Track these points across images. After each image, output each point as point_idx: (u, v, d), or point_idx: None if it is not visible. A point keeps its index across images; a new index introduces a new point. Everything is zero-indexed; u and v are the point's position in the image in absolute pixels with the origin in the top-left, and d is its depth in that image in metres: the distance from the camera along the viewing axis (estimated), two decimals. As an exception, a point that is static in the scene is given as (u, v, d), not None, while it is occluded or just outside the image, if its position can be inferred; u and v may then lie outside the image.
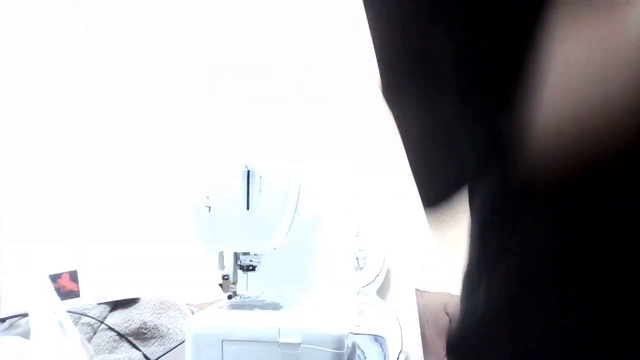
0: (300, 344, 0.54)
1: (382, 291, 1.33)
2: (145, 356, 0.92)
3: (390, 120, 0.46)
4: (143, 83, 1.48)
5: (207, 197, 0.54)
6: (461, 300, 0.38)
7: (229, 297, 0.62)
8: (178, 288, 1.40)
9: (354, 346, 0.69)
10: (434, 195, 0.41)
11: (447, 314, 0.98)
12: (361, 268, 0.80)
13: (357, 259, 0.78)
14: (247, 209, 0.54)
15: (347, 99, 1.47)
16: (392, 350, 1.19)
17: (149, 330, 0.97)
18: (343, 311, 0.65)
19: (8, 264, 1.02)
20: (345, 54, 1.47)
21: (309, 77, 1.48)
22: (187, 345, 0.55)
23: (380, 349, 0.88)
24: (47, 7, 1.30)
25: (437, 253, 1.01)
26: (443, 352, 0.70)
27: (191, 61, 1.48)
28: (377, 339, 0.91)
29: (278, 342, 0.54)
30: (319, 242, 0.75)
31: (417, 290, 0.99)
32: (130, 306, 1.01)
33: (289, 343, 0.54)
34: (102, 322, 0.94)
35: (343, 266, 0.75)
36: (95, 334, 0.93)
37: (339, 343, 0.54)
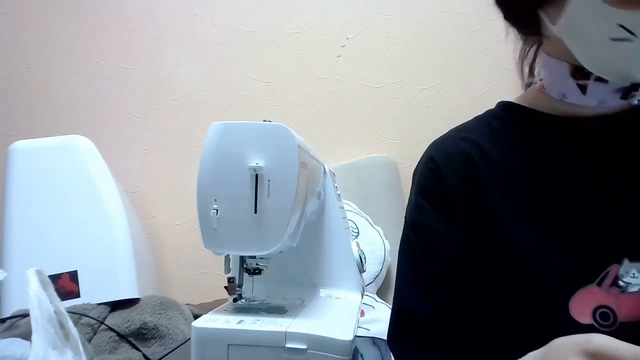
0: (306, 349, 0.53)
1: (382, 291, 1.33)
2: (145, 356, 0.91)
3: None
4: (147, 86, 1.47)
5: (215, 200, 0.54)
6: None
7: (235, 300, 0.62)
8: (178, 288, 1.40)
9: (354, 349, 0.69)
10: None
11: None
12: (364, 270, 0.80)
13: (360, 259, 0.77)
14: (255, 212, 0.54)
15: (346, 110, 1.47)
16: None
17: (149, 331, 0.96)
18: (349, 316, 0.64)
19: (8, 264, 1.01)
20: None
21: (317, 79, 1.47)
22: (193, 348, 0.54)
23: (379, 352, 0.88)
24: None
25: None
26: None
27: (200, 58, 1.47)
28: (376, 341, 0.90)
29: (284, 347, 0.53)
30: (325, 244, 0.75)
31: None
32: (130, 306, 1.00)
33: (295, 348, 0.53)
34: (102, 323, 0.94)
35: (348, 268, 0.75)
36: (95, 334, 0.92)
37: (346, 349, 0.53)
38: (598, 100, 0.55)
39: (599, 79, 0.53)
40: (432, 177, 0.59)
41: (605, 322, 0.48)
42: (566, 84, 0.56)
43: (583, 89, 0.55)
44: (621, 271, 0.49)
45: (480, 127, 0.61)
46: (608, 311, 0.49)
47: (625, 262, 0.49)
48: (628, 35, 0.46)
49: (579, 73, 0.54)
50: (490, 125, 0.61)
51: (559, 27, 0.51)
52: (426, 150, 0.63)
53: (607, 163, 0.54)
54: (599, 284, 0.49)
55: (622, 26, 0.46)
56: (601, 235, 0.51)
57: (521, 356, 0.47)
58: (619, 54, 0.48)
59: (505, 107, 0.63)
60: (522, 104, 0.61)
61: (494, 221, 0.54)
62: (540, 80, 0.60)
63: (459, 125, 0.63)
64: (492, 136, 0.59)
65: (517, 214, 0.54)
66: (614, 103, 0.54)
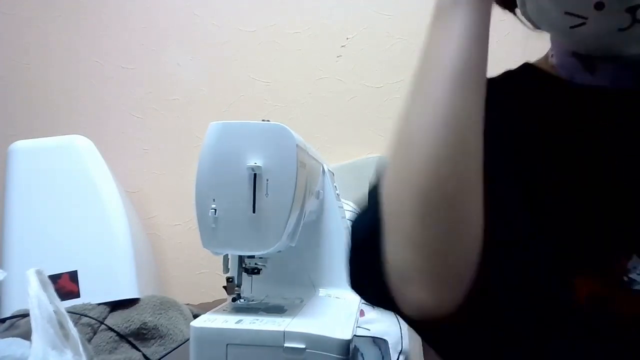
0: (305, 349, 0.53)
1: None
2: (145, 356, 0.91)
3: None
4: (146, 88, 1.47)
5: (213, 200, 0.54)
6: None
7: (233, 300, 0.62)
8: (178, 288, 1.40)
9: (354, 348, 0.69)
10: None
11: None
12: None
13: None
14: (254, 212, 0.54)
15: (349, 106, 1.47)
16: (392, 351, 1.19)
17: (149, 331, 0.96)
18: (348, 315, 0.64)
19: (8, 264, 1.01)
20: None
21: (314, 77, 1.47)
22: (192, 348, 0.54)
23: (379, 352, 0.88)
24: None
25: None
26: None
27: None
28: (376, 341, 0.90)
29: (283, 346, 0.53)
30: (324, 244, 0.75)
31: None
32: (130, 306, 1.00)
33: (293, 348, 0.53)
34: (102, 323, 0.94)
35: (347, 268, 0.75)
36: (95, 334, 0.92)
37: (344, 349, 0.53)
38: (609, 80, 0.50)
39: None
40: None
41: (599, 310, 0.45)
42: (572, 64, 0.52)
43: (591, 68, 0.51)
44: (629, 266, 0.45)
45: (500, 84, 0.56)
46: (603, 302, 0.46)
47: (635, 258, 0.46)
48: (580, 20, 0.45)
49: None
50: (510, 80, 0.56)
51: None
52: None
53: (625, 144, 0.49)
54: (601, 276, 0.46)
55: (568, 13, 0.45)
56: (611, 225, 0.47)
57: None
58: (583, 38, 0.47)
59: (525, 67, 0.57)
60: (541, 66, 0.56)
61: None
62: (552, 56, 0.55)
63: None
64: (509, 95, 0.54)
65: (523, 190, 0.48)
66: (629, 84, 0.49)
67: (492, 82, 0.54)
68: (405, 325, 0.96)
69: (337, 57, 1.46)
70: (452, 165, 0.40)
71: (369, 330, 1.19)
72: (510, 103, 0.54)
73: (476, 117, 0.42)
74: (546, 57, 0.57)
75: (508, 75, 0.58)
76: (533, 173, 0.50)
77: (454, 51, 0.42)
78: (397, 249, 0.42)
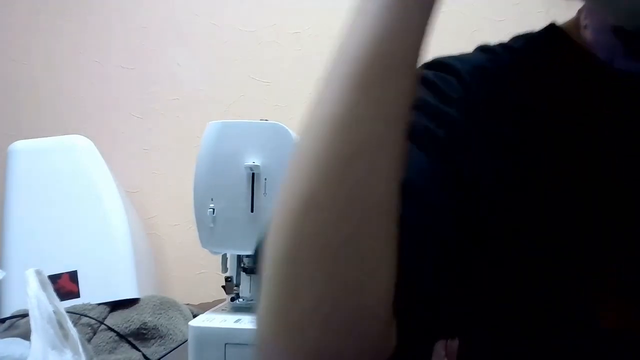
0: (304, 348, 0.53)
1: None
2: (145, 357, 0.91)
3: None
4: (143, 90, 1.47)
5: (212, 199, 0.54)
6: None
7: (232, 300, 0.62)
8: (178, 288, 1.40)
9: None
10: None
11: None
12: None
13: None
14: (252, 211, 0.54)
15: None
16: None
17: (149, 331, 0.96)
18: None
19: (8, 264, 1.01)
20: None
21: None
22: (190, 348, 0.54)
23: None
24: None
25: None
26: (443, 352, 0.68)
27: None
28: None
29: (282, 346, 0.53)
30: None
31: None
32: (130, 306, 1.01)
33: (292, 347, 0.53)
34: (102, 323, 0.94)
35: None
36: (95, 334, 0.92)
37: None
38: None
39: None
40: None
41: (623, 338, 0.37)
42: (612, 43, 0.41)
43: (636, 49, 0.40)
44: None
45: (513, 52, 0.47)
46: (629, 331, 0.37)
47: None
48: None
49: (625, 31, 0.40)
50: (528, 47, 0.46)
51: None
52: None
53: None
54: (626, 307, 0.38)
55: None
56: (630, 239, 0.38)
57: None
58: (632, 7, 0.36)
59: (551, 32, 0.46)
60: (571, 35, 0.45)
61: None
62: (585, 27, 0.45)
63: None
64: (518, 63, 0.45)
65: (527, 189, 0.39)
66: None
67: (502, 48, 0.48)
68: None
69: (337, 57, 1.46)
70: (339, 204, 0.28)
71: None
72: (527, 78, 0.44)
73: (381, 134, 0.30)
74: (577, 24, 0.46)
75: (526, 41, 0.47)
76: (546, 174, 0.40)
77: (358, 44, 0.32)
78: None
